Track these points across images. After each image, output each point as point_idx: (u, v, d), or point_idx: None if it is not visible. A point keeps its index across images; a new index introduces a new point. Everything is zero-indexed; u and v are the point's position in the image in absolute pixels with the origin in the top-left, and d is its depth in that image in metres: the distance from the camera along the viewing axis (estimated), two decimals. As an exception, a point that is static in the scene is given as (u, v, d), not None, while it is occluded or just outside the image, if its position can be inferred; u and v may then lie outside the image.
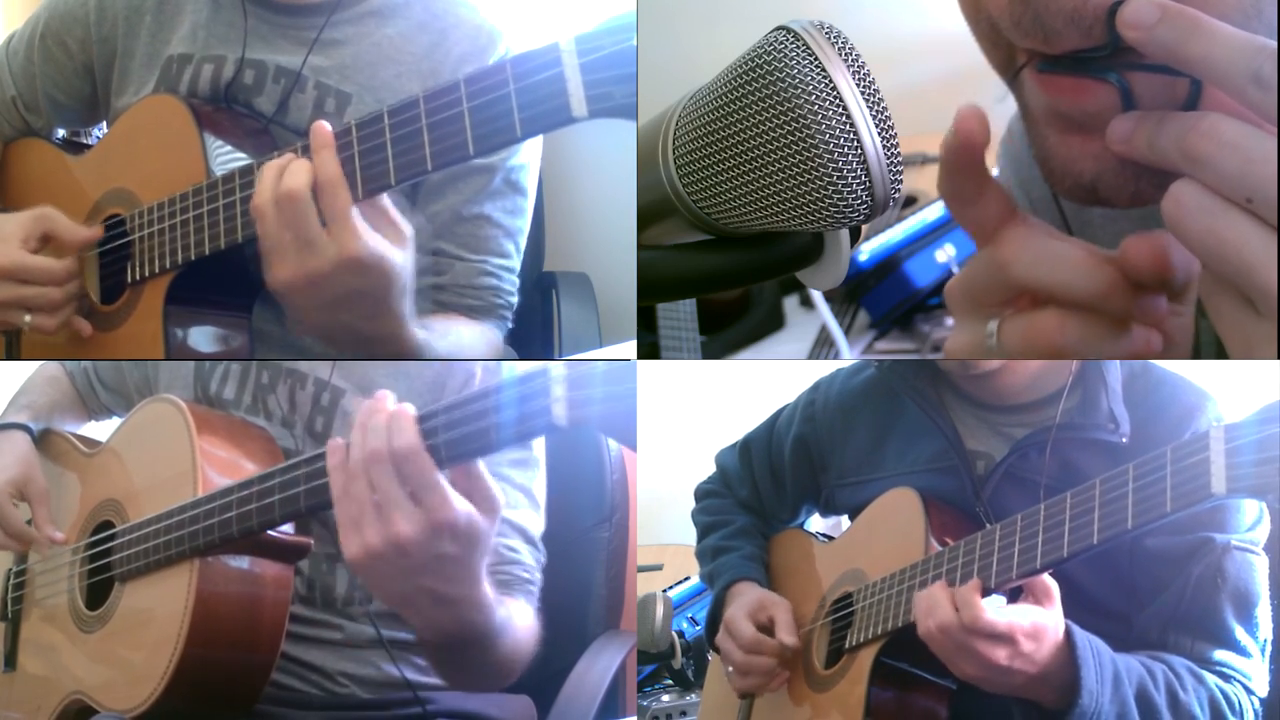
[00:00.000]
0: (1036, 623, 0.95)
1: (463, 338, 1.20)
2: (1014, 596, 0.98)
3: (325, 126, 0.96)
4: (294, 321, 1.04)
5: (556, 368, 0.83)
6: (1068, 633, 0.97)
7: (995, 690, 1.00)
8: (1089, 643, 0.98)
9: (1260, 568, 1.05)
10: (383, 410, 0.90)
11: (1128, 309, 0.61)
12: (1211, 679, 1.02)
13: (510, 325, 1.29)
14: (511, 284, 1.27)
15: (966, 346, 0.68)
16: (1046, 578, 0.97)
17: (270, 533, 1.05)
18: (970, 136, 0.62)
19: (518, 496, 1.18)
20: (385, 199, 0.98)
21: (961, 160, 0.63)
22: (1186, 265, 0.60)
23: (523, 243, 1.29)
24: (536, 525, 1.19)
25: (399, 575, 0.90)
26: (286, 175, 0.96)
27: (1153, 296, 0.61)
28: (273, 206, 0.96)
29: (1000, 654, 0.95)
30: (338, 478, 0.91)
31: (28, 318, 1.15)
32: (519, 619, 1.08)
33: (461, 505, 0.88)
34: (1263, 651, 1.06)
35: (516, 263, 1.28)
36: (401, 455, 0.88)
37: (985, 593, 0.97)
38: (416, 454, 0.88)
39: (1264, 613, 1.06)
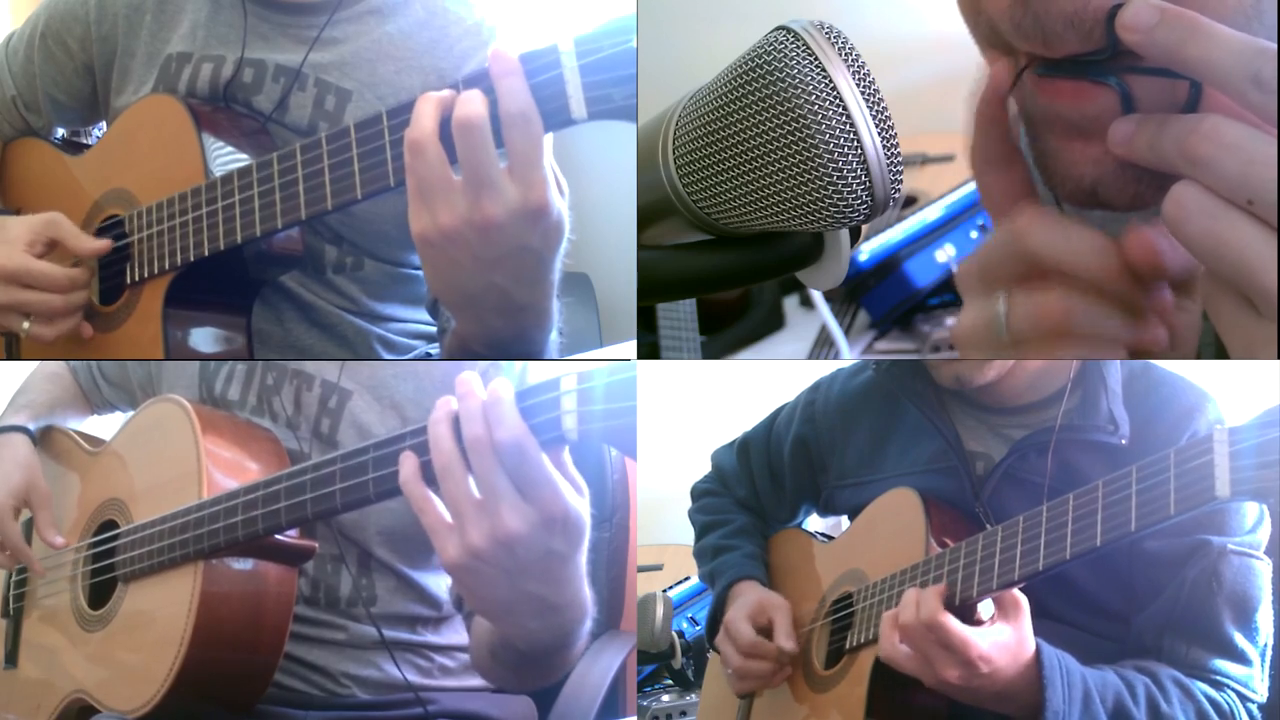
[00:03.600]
0: (997, 642, 0.97)
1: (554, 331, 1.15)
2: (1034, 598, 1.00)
3: (509, 52, 0.83)
4: (435, 281, 0.90)
5: (567, 380, 0.82)
6: (1037, 651, 0.98)
7: (961, 700, 1.01)
8: (1058, 661, 0.98)
9: (1261, 571, 1.05)
10: (475, 394, 0.80)
11: (1135, 296, 0.61)
12: (1201, 688, 1.02)
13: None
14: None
15: (975, 325, 0.68)
16: (1016, 592, 0.98)
17: (275, 536, 1.05)
18: (996, 82, 0.62)
19: None
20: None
21: (989, 112, 0.64)
22: (1189, 259, 0.60)
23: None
24: None
25: (504, 578, 0.81)
26: (462, 102, 0.82)
27: (1157, 287, 0.61)
28: (434, 140, 0.83)
29: (953, 674, 0.97)
30: (416, 489, 0.83)
31: (26, 324, 1.14)
32: None
33: (573, 497, 0.80)
34: (1262, 656, 1.06)
35: None
36: (506, 444, 0.78)
37: (952, 601, 0.99)
38: (524, 440, 0.79)
39: (1264, 617, 1.05)
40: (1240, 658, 1.04)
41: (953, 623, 0.96)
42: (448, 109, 0.85)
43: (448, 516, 0.81)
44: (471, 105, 0.82)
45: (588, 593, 0.88)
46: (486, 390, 0.81)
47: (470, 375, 0.82)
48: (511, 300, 0.90)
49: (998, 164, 0.66)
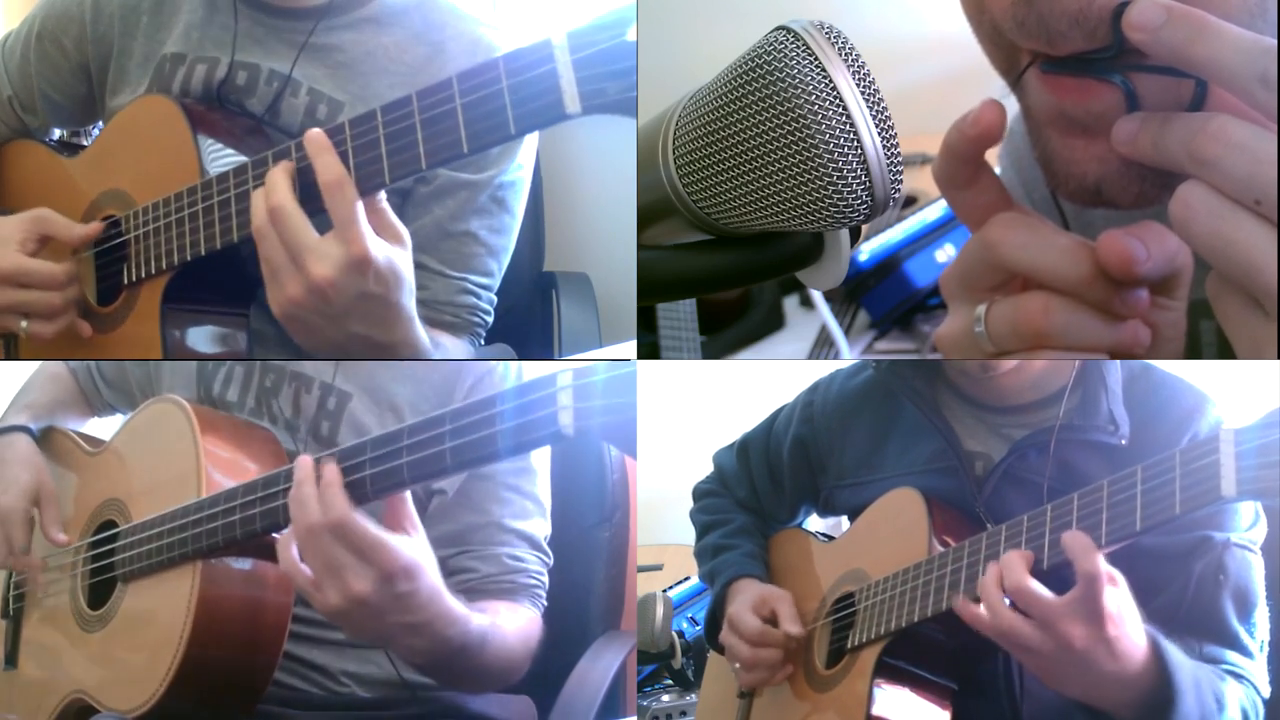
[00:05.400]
0: (1124, 602, 0.89)
1: (449, 350, 1.21)
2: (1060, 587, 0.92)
3: (319, 132, 0.95)
4: (306, 344, 1.03)
5: (563, 376, 0.82)
6: (1154, 645, 0.93)
7: (1060, 685, 0.94)
8: (1180, 655, 0.94)
9: (1258, 567, 1.05)
10: (306, 480, 0.94)
11: (1111, 299, 0.61)
12: (1232, 681, 1.02)
13: (482, 343, 1.29)
14: (489, 302, 1.27)
15: (956, 333, 0.68)
16: (1104, 565, 0.90)
17: (274, 535, 1.04)
18: (989, 130, 0.62)
19: (526, 505, 1.19)
20: (383, 199, 0.97)
21: (968, 150, 0.64)
22: (1171, 260, 0.60)
23: (505, 261, 1.28)
24: (544, 530, 1.21)
25: (370, 622, 0.95)
26: (268, 191, 0.95)
27: (1132, 290, 0.61)
28: (269, 226, 0.95)
29: (1079, 633, 0.89)
30: (286, 560, 0.95)
31: (24, 324, 1.14)
32: (508, 623, 1.09)
33: (408, 547, 0.93)
34: (1262, 650, 1.06)
35: (496, 282, 1.27)
36: (334, 526, 0.92)
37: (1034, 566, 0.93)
38: (346, 521, 0.92)
39: (1262, 614, 1.05)
40: (1247, 652, 1.04)
41: (1040, 590, 0.89)
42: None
43: (309, 574, 0.94)
44: (275, 196, 0.95)
45: (451, 605, 0.99)
46: (322, 475, 0.93)
47: (302, 461, 0.95)
48: (375, 342, 1.01)
49: (963, 184, 0.66)
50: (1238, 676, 1.03)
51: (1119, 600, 0.90)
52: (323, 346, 1.02)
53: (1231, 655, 1.03)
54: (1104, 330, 0.62)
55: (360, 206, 0.94)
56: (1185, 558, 1.04)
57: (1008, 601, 0.93)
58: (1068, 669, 0.92)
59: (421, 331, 1.05)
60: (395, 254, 0.97)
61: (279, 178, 0.95)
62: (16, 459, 1.24)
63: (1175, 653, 0.94)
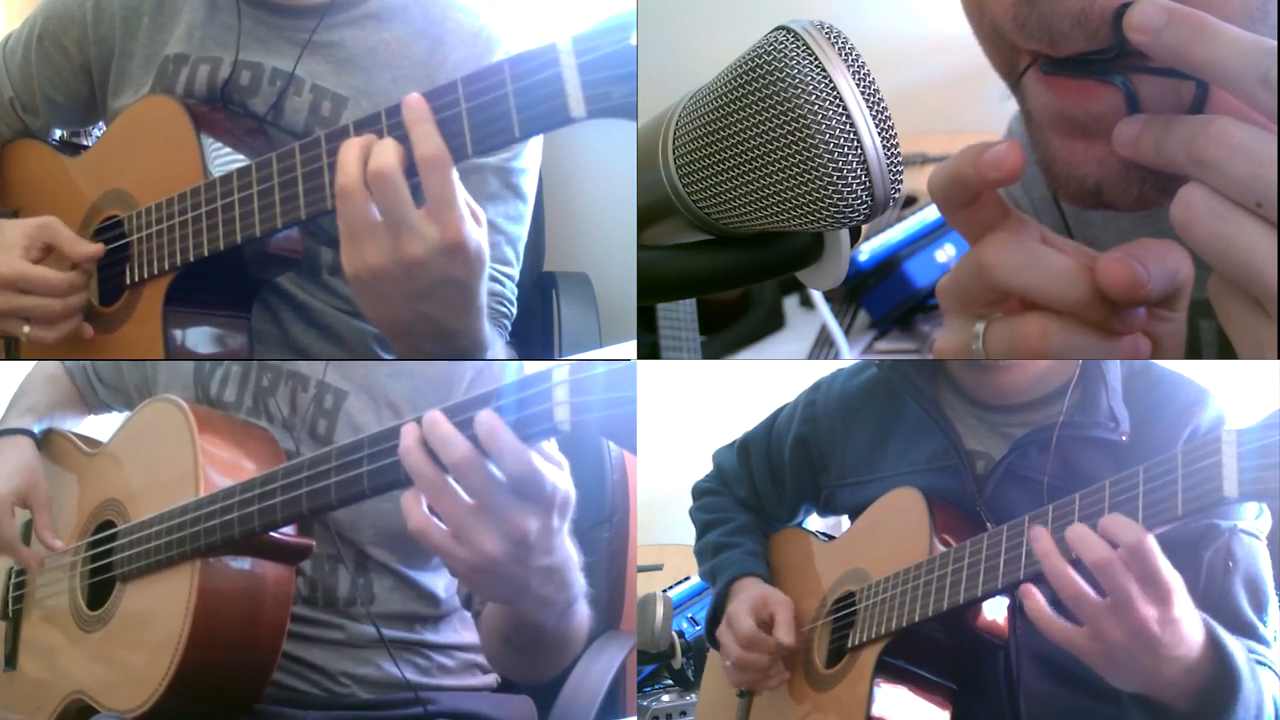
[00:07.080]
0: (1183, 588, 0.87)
1: (496, 345, 1.19)
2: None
3: (417, 97, 0.89)
4: (370, 312, 0.97)
5: (559, 371, 0.83)
6: (1208, 627, 0.91)
7: (1121, 678, 0.91)
8: (1232, 638, 0.92)
9: (1265, 555, 1.05)
10: (441, 421, 0.86)
11: (1109, 317, 0.61)
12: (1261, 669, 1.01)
13: (509, 334, 1.29)
14: (513, 291, 1.27)
15: (954, 347, 0.68)
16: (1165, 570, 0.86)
17: (272, 534, 1.04)
18: (1010, 175, 0.62)
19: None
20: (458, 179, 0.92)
21: (980, 186, 0.64)
22: (1172, 275, 0.60)
23: (522, 250, 1.28)
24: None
25: (519, 569, 0.89)
26: (376, 153, 0.89)
27: (1130, 309, 0.61)
28: (360, 187, 0.89)
29: (1141, 614, 0.86)
30: (423, 466, 0.87)
31: (26, 329, 1.14)
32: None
33: (559, 476, 0.87)
34: (1277, 640, 1.06)
35: (516, 270, 1.27)
36: (515, 476, 0.85)
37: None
38: (527, 462, 0.84)
39: (1274, 603, 1.05)
40: (1264, 640, 1.04)
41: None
42: (370, 154, 0.89)
43: (443, 528, 0.87)
44: (383, 157, 0.88)
45: (571, 545, 0.95)
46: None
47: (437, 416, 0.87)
48: (443, 328, 0.97)
49: (962, 205, 0.65)
50: (1261, 664, 1.02)
51: (1174, 576, 0.87)
52: (386, 319, 0.97)
53: (1250, 644, 1.03)
54: (1103, 347, 0.62)
55: (459, 187, 0.89)
56: (1194, 546, 1.04)
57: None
58: (1135, 658, 0.88)
59: (486, 324, 1.01)
60: (483, 237, 0.92)
61: (388, 144, 0.89)
62: (14, 459, 1.24)
63: (1228, 636, 0.92)
